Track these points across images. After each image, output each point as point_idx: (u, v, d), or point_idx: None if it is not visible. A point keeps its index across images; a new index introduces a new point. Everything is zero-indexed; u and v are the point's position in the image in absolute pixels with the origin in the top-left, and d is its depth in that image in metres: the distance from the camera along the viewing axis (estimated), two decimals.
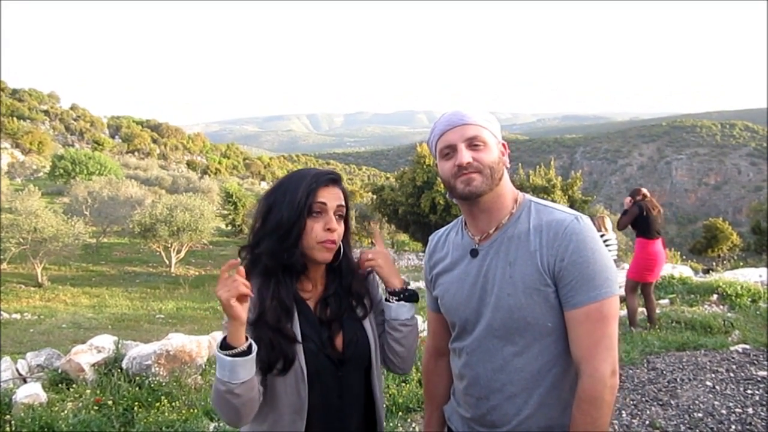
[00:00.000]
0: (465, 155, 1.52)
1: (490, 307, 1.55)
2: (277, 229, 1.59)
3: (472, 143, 1.53)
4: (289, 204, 1.59)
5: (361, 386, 1.69)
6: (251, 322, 1.53)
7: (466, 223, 1.68)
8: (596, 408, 1.44)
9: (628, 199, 7.28)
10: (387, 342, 1.74)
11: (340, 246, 1.67)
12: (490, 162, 1.54)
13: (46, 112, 78.68)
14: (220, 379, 1.43)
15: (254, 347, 1.45)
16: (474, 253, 1.61)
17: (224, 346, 1.43)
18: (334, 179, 1.65)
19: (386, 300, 1.74)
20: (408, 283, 1.78)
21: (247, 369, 1.43)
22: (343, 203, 1.65)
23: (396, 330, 1.72)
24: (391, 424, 4.26)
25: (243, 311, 1.41)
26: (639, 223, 7.08)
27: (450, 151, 1.56)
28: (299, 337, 1.58)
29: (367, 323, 1.71)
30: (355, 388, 1.68)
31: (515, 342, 1.53)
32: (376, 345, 1.72)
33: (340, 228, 1.63)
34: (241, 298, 1.40)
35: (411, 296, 1.74)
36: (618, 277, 1.56)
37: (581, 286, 1.46)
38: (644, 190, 7.34)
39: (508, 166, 1.62)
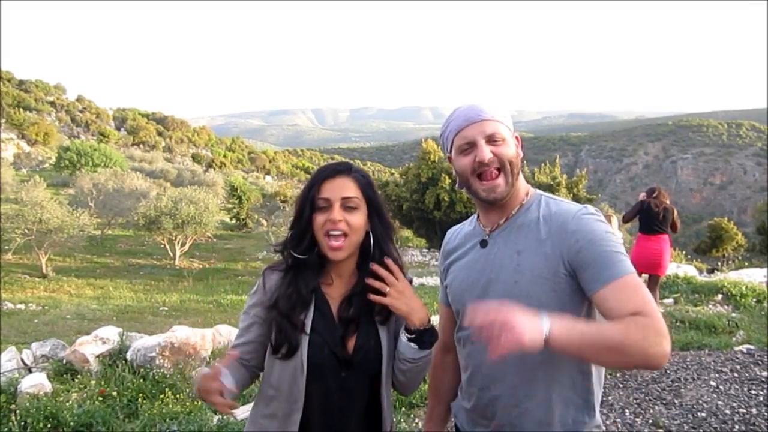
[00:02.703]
0: (486, 151, 1.52)
1: (495, 295, 1.54)
2: (293, 224, 1.65)
3: (492, 139, 1.54)
4: (299, 199, 1.65)
5: (366, 391, 1.66)
6: (267, 306, 1.63)
7: (479, 216, 1.70)
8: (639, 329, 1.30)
9: (643, 194, 7.47)
10: (395, 363, 1.69)
11: (370, 239, 1.66)
12: (510, 157, 1.56)
13: (52, 104, 78.76)
14: None
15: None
16: (483, 243, 1.63)
17: None
18: (339, 170, 1.63)
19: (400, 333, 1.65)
20: (430, 324, 1.65)
21: None
22: (354, 194, 1.62)
23: (401, 362, 1.66)
24: (393, 420, 4.26)
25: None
26: (640, 218, 7.28)
27: (468, 147, 1.56)
28: (307, 329, 1.59)
29: (384, 331, 1.67)
30: (358, 391, 1.65)
31: None
32: (390, 355, 1.68)
33: (352, 218, 1.60)
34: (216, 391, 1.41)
35: (424, 340, 1.62)
36: None
37: (605, 263, 1.42)
38: (658, 188, 7.41)
39: (522, 159, 1.64)
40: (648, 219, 7.12)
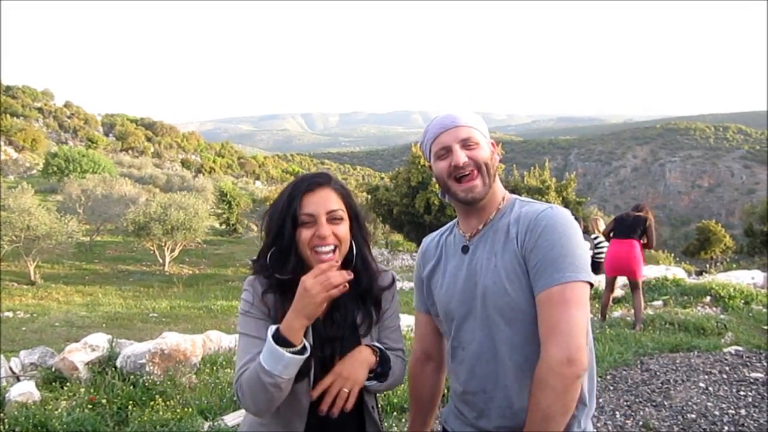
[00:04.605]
0: (460, 155, 1.60)
1: (479, 299, 1.58)
2: (272, 241, 1.59)
3: (466, 144, 1.61)
4: (276, 213, 1.59)
5: (357, 399, 1.66)
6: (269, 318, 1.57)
7: (458, 223, 1.74)
8: (541, 390, 1.41)
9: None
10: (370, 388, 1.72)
11: (352, 248, 1.64)
12: (485, 159, 1.62)
13: (39, 110, 78.33)
14: (269, 371, 1.42)
15: (308, 346, 1.47)
16: (465, 249, 1.67)
17: (282, 340, 1.43)
18: (319, 183, 1.59)
19: None
20: (379, 356, 1.67)
21: (298, 367, 1.46)
22: (337, 207, 1.59)
23: (375, 390, 1.71)
24: (385, 424, 4.25)
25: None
26: (614, 226, 7.80)
27: (445, 152, 1.63)
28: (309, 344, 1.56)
29: (366, 341, 1.68)
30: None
31: (503, 331, 1.54)
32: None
33: (339, 230, 1.58)
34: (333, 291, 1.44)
35: (383, 372, 1.66)
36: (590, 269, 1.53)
37: (545, 269, 1.47)
38: (644, 205, 7.92)
39: (498, 163, 1.68)
40: (619, 225, 7.66)
